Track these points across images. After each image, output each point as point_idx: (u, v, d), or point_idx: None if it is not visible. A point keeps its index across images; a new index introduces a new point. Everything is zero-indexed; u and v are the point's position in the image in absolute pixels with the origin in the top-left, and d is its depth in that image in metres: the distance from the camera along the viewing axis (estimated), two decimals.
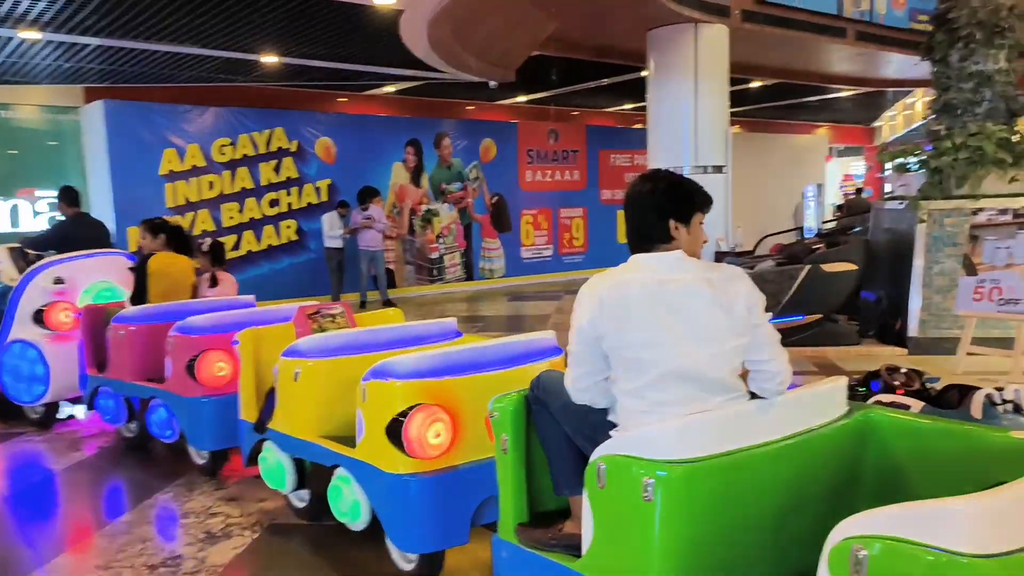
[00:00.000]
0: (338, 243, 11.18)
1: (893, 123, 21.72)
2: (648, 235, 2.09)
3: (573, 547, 2.05)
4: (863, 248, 6.71)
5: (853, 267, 6.59)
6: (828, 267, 6.56)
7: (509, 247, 14.31)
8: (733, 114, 17.35)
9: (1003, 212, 5.83)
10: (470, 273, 13.85)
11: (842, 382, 2.18)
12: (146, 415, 4.66)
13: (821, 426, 2.05)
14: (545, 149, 14.77)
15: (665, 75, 9.18)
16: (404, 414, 2.58)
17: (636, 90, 14.58)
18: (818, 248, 7.06)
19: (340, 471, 2.96)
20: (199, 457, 4.42)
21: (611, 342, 2.02)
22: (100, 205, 10.48)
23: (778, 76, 12.63)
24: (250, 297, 5.15)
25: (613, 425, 2.11)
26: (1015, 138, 6.21)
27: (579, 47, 10.06)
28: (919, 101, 16.96)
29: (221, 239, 10.95)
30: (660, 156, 9.56)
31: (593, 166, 15.51)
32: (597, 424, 2.15)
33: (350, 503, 2.92)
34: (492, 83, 10.04)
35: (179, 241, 5.65)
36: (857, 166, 22.88)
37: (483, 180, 13.93)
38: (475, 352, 2.86)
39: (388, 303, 11.59)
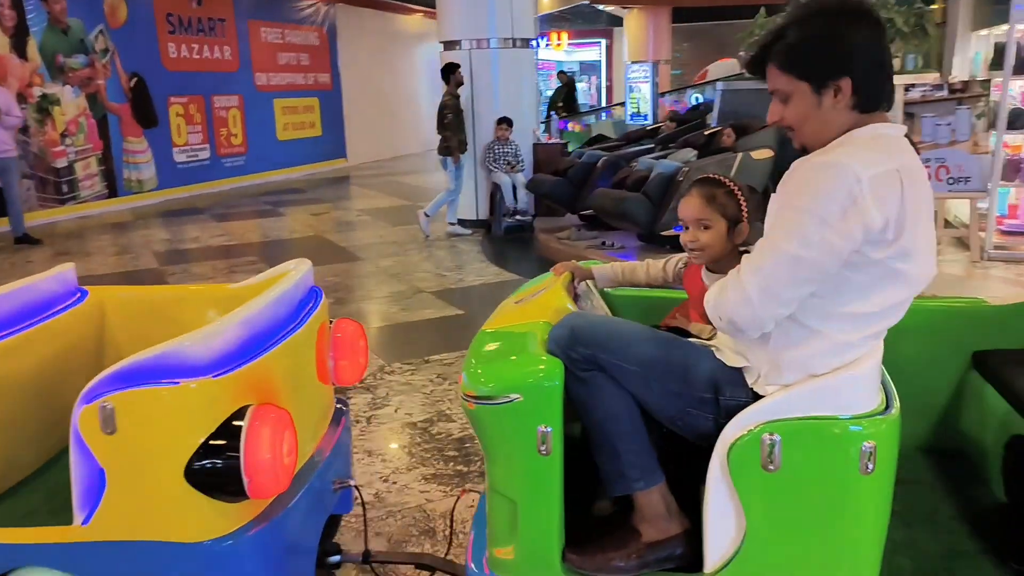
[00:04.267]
0: None
1: None
2: (881, 94, 1.48)
3: (675, 558, 1.63)
4: (777, 132, 6.20)
5: (772, 153, 6.08)
6: (756, 154, 5.92)
7: (157, 148, 10.60)
8: None
9: (938, 87, 5.81)
10: (113, 187, 9.90)
11: None
12: None
13: None
14: (188, 15, 11.08)
15: None
16: (227, 433, 1.50)
17: None
18: (721, 133, 6.34)
19: None
20: None
21: (887, 250, 1.41)
22: None
23: None
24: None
25: (739, 377, 1.57)
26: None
27: None
28: None
29: None
30: (457, 25, 7.69)
31: (244, 42, 12.29)
32: (716, 378, 1.58)
33: None
34: None
35: None
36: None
37: (115, 53, 9.86)
38: (261, 311, 1.74)
39: (25, 238, 7.58)
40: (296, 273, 1.92)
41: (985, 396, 1.97)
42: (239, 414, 1.50)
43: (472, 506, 2.47)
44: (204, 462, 1.48)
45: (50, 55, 8.92)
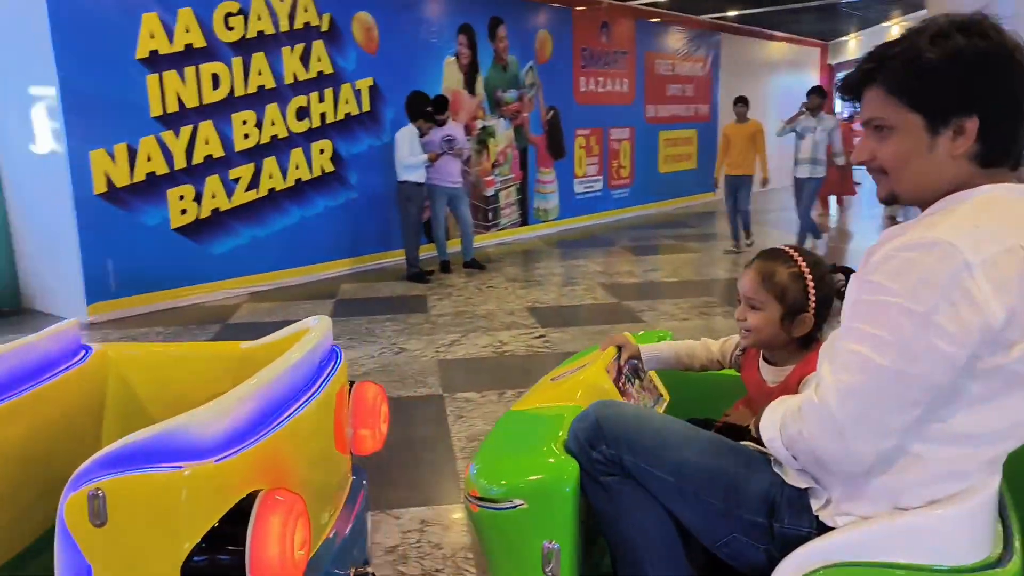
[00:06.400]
0: (420, 175, 7.32)
1: (859, 38, 20.24)
2: (1011, 147, 1.16)
3: None
4: None
5: None
6: None
7: (561, 179, 10.90)
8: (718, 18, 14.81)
9: None
10: (524, 216, 10.33)
11: None
12: None
13: None
14: (598, 49, 11.33)
15: None
16: (232, 525, 1.27)
17: None
18: None
19: None
20: None
21: (1012, 352, 1.07)
22: (19, 114, 5.84)
23: None
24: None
25: (803, 499, 1.27)
26: None
27: None
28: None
29: (234, 170, 6.77)
30: None
31: (641, 74, 12.32)
32: (772, 498, 1.28)
33: None
34: None
35: None
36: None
37: (539, 87, 10.31)
38: (275, 380, 1.46)
39: (473, 264, 7.98)
40: (317, 333, 1.70)
41: None
42: (247, 501, 1.32)
43: None
44: (205, 558, 1.29)
45: (491, 90, 9.52)
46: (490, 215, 9.74)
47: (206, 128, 6.49)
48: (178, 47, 6.24)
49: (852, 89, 1.24)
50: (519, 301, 6.43)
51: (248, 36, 6.76)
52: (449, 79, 8.89)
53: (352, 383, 1.84)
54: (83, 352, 1.99)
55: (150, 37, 6.05)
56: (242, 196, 6.84)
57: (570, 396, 1.60)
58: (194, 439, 1.29)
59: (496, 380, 4.31)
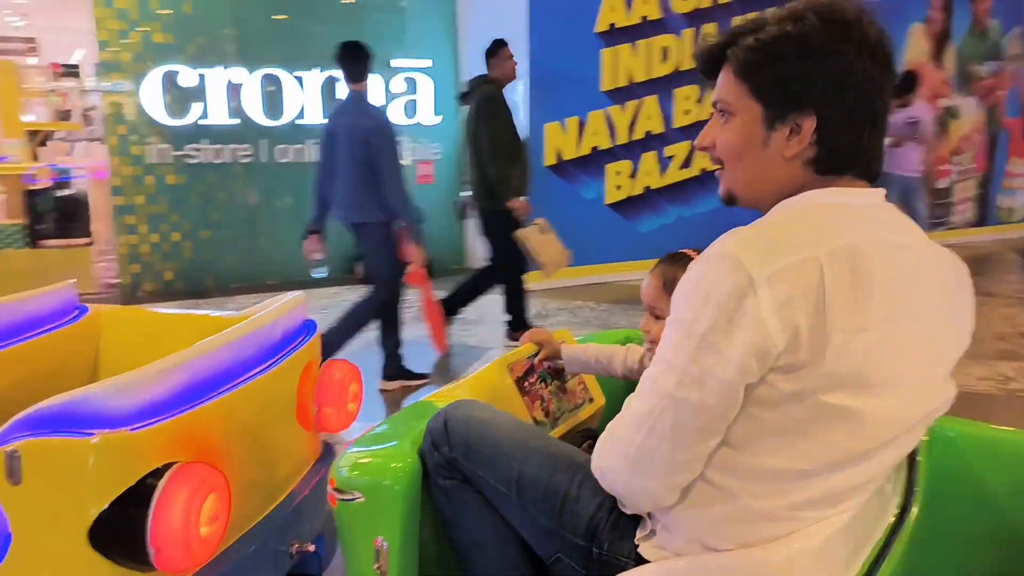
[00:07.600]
0: None
1: None
2: (854, 154, 1.02)
3: None
4: None
5: None
6: None
7: None
8: None
9: None
10: (983, 214, 8.60)
11: None
12: None
13: None
14: None
15: None
16: (137, 495, 1.29)
17: None
18: None
19: None
20: None
21: (804, 379, 0.92)
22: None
23: None
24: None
25: (629, 526, 1.18)
26: None
27: None
28: None
29: (669, 147, 6.51)
30: None
31: None
32: (597, 522, 1.21)
33: None
34: None
35: None
36: None
37: None
38: (207, 355, 1.50)
39: None
40: (278, 311, 1.71)
41: None
42: (158, 473, 1.30)
43: None
44: (109, 526, 1.29)
45: (963, 62, 7.99)
46: (938, 211, 8.27)
47: (650, 103, 6.31)
48: (634, 19, 6.11)
49: (709, 64, 1.07)
50: (1005, 323, 5.20)
51: (702, 5, 6.40)
52: (913, 49, 7.63)
53: (324, 360, 1.85)
54: (77, 312, 2.10)
55: (610, 10, 6.01)
56: (674, 174, 6.59)
57: (465, 391, 1.58)
58: (109, 407, 1.30)
59: (1005, 422, 3.38)
